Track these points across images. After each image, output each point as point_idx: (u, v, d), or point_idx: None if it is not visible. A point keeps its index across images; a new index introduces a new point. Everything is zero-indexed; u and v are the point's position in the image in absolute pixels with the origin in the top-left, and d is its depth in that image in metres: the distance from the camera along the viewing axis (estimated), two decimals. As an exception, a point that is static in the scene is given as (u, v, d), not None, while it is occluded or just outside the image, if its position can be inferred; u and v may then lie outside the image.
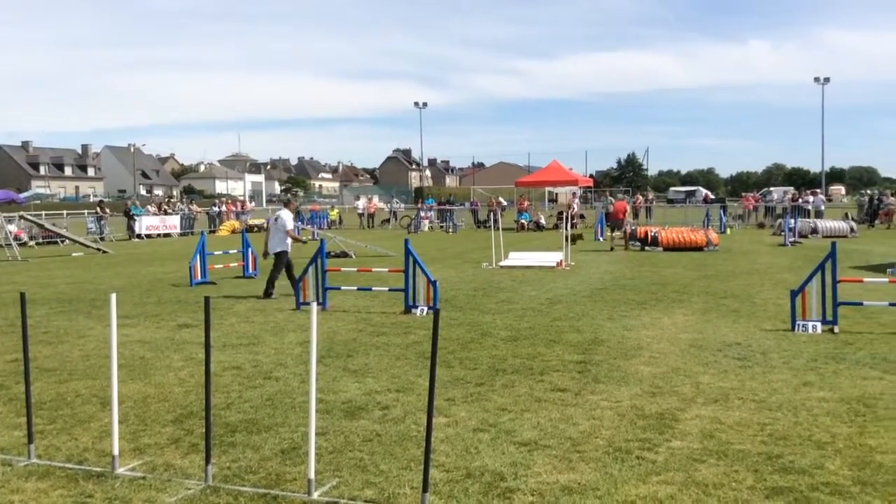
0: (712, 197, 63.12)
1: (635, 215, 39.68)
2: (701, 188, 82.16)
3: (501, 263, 17.82)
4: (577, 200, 41.65)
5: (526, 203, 40.58)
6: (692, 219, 36.73)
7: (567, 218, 23.15)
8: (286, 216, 12.91)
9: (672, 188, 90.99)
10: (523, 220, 36.61)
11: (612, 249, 22.53)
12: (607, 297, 12.38)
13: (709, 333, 9.13)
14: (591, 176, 65.27)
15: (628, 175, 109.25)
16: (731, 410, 5.95)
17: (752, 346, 8.39)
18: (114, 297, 4.94)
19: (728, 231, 31.27)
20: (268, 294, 12.47)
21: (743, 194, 48.44)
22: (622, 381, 6.87)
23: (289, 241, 12.79)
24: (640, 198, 45.47)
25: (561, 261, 17.54)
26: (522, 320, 10.16)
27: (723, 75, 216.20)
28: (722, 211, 34.92)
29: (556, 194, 67.36)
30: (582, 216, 39.27)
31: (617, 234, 24.57)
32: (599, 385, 6.75)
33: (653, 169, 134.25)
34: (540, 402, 6.24)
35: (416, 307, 10.90)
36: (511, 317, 10.46)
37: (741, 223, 36.99)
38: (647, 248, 22.16)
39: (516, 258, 18.48)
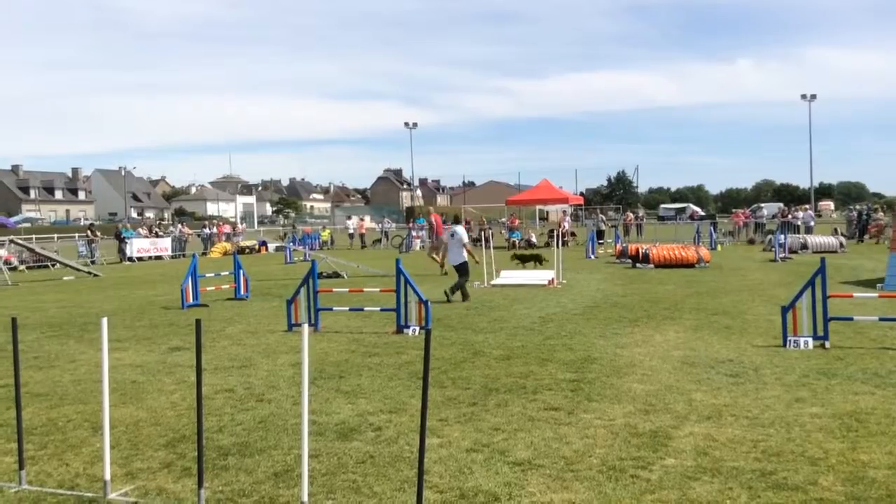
0: (702, 213, 63.45)
1: (626, 232, 39.90)
2: (691, 205, 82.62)
3: (493, 282, 17.83)
4: (567, 218, 41.85)
5: (517, 221, 40.73)
6: (683, 236, 36.89)
7: (558, 236, 23.22)
8: (461, 231, 14.74)
9: (662, 205, 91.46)
10: (514, 239, 36.69)
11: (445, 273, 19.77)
12: (599, 314, 12.40)
13: (701, 350, 9.15)
14: (581, 194, 65.60)
15: (619, 193, 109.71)
16: (724, 427, 5.96)
17: (745, 362, 8.41)
18: (105, 321, 4.93)
19: (718, 247, 31.39)
20: (465, 297, 14.26)
21: (733, 210, 48.71)
22: (615, 400, 6.87)
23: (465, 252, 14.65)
24: (630, 215, 45.71)
25: (552, 279, 17.57)
26: (515, 339, 10.16)
27: (710, 93, 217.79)
28: (712, 227, 35.09)
29: (547, 212, 67.59)
30: (573, 234, 39.39)
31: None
32: (592, 403, 6.75)
33: (643, 186, 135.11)
34: (533, 421, 6.23)
35: (408, 327, 10.89)
36: (503, 335, 10.46)
37: (731, 239, 37.16)
38: (638, 265, 22.21)
39: (508, 277, 18.51)
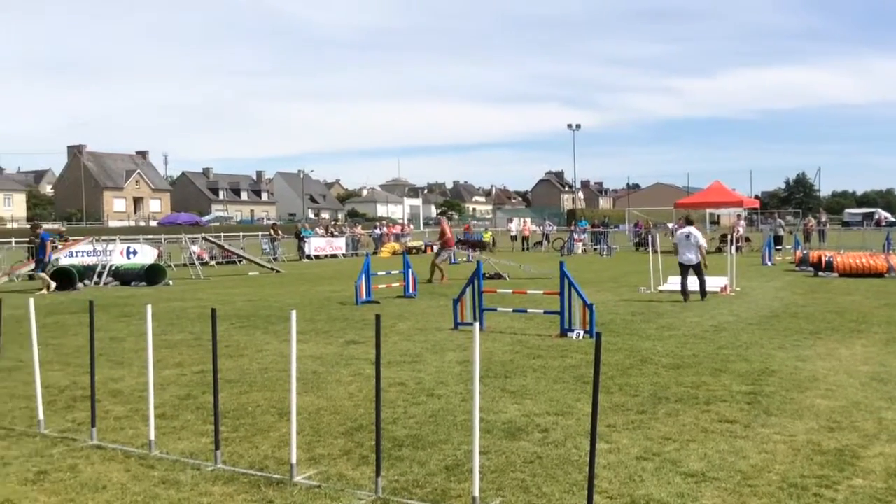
0: (892, 219, 58.40)
1: (806, 238, 37.44)
2: (880, 210, 76.36)
3: (660, 288, 17.33)
4: (741, 223, 39.78)
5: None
6: (871, 243, 34.17)
7: (731, 241, 22.21)
8: (698, 233, 15.56)
9: (847, 210, 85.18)
10: (683, 244, 35.35)
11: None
12: (777, 325, 11.76)
13: (892, 366, 8.47)
14: (756, 197, 62.29)
15: (798, 196, 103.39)
16: (920, 451, 5.50)
17: (945, 381, 7.70)
18: (294, 313, 5.29)
19: (913, 256, 28.78)
20: (704, 294, 15.14)
21: (930, 216, 44.49)
22: (796, 415, 6.52)
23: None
24: (812, 220, 42.84)
25: (726, 286, 16.83)
26: (685, 347, 9.85)
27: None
28: (905, 234, 32.23)
29: (719, 216, 64.61)
30: (747, 239, 37.45)
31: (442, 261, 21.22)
32: (771, 418, 6.44)
33: (825, 189, 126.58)
34: (706, 432, 6.04)
35: (572, 331, 10.83)
36: (672, 343, 10.17)
37: (928, 248, 33.94)
38: (820, 273, 20.84)
39: (676, 282, 17.89)
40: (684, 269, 15.32)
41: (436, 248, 21.50)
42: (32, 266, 22.48)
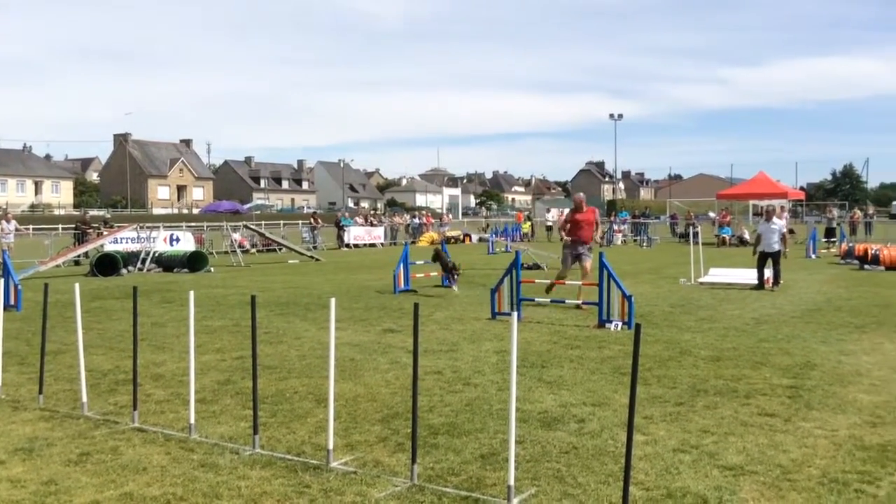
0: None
1: (852, 231, 36.63)
2: (931, 202, 74.30)
3: (701, 280, 17.11)
4: (786, 215, 38.99)
5: (729, 217, 38.70)
6: (921, 236, 33.31)
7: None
8: (781, 223, 16.60)
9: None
10: (725, 235, 34.92)
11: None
12: (820, 318, 11.54)
13: (941, 362, 8.26)
14: (801, 188, 61.05)
15: (844, 188, 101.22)
16: (968, 449, 5.36)
17: None
18: (333, 301, 5.33)
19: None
20: (777, 283, 15.63)
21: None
22: (838, 409, 6.40)
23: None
24: (858, 213, 41.88)
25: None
26: (725, 340, 9.72)
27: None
28: (957, 227, 31.36)
29: (762, 208, 63.52)
30: (791, 231, 36.70)
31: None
32: (812, 412, 6.33)
33: (873, 181, 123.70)
34: (746, 426, 5.96)
35: (611, 322, 10.75)
36: (712, 336, 10.04)
37: (981, 241, 32.97)
38: (866, 266, 20.37)
39: (717, 274, 17.67)
40: (765, 258, 15.84)
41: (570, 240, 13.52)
42: (77, 253, 23.02)
